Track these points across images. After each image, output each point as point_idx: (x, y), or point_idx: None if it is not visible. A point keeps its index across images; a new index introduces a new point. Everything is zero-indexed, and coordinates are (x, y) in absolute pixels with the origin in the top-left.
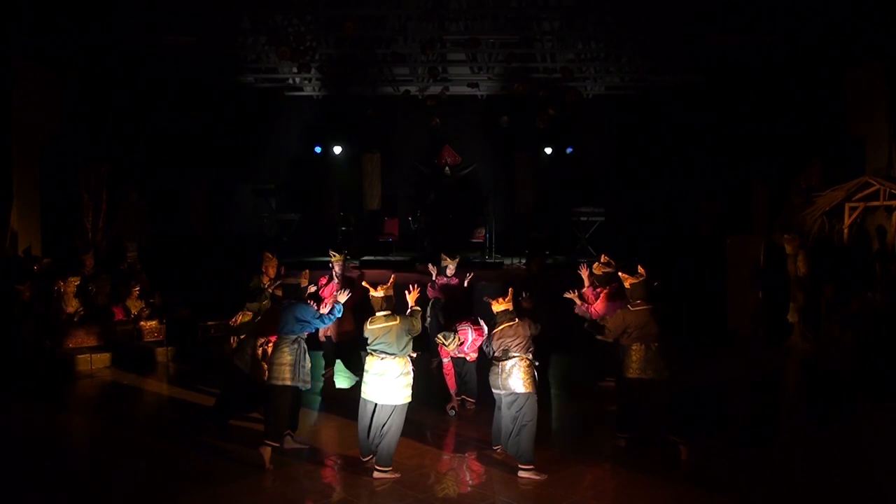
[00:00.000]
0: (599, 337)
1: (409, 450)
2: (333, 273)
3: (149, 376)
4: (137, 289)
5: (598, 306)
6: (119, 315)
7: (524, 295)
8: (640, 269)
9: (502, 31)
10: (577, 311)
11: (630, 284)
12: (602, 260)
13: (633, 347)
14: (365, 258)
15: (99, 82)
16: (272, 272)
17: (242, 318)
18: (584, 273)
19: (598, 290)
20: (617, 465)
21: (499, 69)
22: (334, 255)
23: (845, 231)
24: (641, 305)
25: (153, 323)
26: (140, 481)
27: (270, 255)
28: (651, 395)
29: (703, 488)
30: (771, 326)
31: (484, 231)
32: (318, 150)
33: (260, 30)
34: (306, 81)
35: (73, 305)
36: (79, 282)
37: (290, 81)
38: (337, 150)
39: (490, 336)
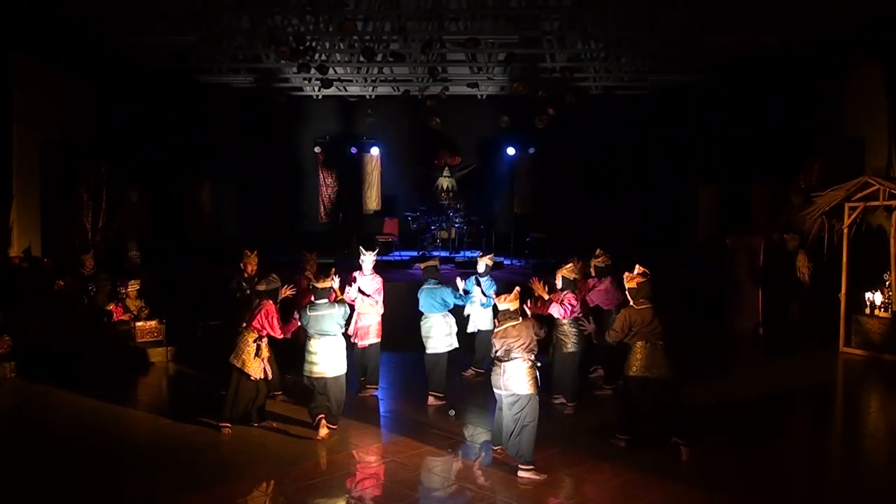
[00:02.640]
0: (610, 340)
1: (410, 449)
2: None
3: (148, 376)
4: (136, 287)
5: (595, 296)
6: (118, 315)
7: (536, 303)
8: (640, 268)
9: (502, 31)
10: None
11: (637, 283)
12: (597, 253)
13: (638, 345)
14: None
15: (99, 82)
16: (251, 269)
17: None
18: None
19: (594, 281)
20: (617, 465)
21: (499, 69)
22: (306, 255)
23: (845, 231)
24: (646, 304)
25: (153, 323)
26: (139, 480)
27: (249, 252)
28: (654, 395)
29: (703, 488)
30: (771, 326)
31: (483, 231)
32: (317, 150)
33: (260, 30)
34: (306, 81)
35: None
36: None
37: (291, 81)
38: (338, 150)
39: (492, 335)
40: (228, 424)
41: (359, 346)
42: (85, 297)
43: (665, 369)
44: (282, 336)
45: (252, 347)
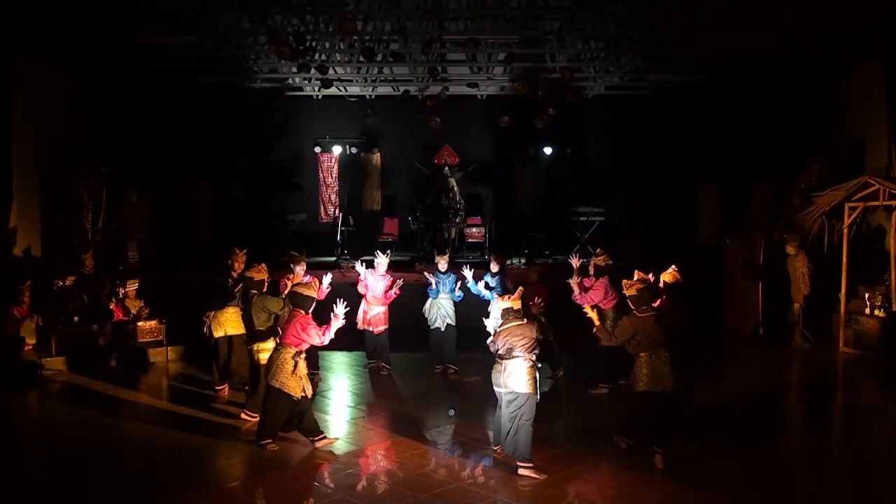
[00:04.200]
0: (605, 343)
1: (409, 450)
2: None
3: (148, 376)
4: (136, 287)
5: (593, 295)
6: (118, 315)
7: (534, 301)
8: (639, 274)
9: (502, 31)
10: (574, 298)
11: (637, 290)
12: (598, 252)
13: (642, 357)
14: (365, 258)
15: (99, 82)
16: (238, 267)
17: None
18: (576, 263)
19: (591, 280)
20: (617, 465)
21: (499, 69)
22: (294, 255)
23: (845, 231)
24: (648, 311)
25: (153, 323)
26: (140, 481)
27: (238, 250)
28: (659, 407)
29: (703, 488)
30: (771, 326)
31: (483, 231)
32: (317, 150)
33: (260, 30)
34: (306, 81)
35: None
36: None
37: (290, 81)
38: (338, 149)
39: (496, 334)
40: (271, 440)
41: (374, 332)
42: (85, 297)
43: (670, 382)
44: (324, 342)
45: (290, 364)
